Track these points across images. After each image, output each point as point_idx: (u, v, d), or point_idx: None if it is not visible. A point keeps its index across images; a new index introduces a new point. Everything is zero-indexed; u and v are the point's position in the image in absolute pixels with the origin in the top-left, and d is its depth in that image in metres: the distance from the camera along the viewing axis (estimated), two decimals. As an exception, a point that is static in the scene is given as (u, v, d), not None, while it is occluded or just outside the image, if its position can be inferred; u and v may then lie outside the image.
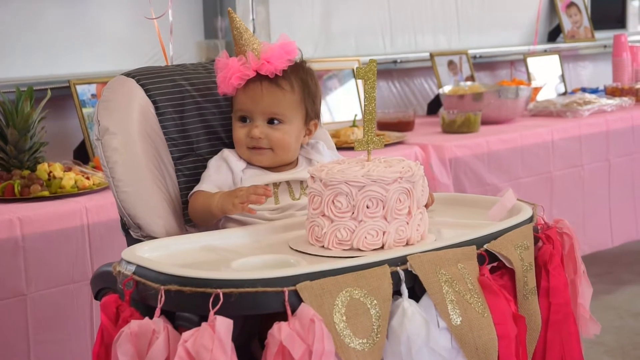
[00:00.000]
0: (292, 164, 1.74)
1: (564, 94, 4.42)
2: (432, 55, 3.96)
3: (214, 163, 1.70)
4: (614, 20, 5.25)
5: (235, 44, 1.70)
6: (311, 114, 1.73)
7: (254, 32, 3.31)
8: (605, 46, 4.90)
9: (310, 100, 1.72)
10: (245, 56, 1.67)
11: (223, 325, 1.19)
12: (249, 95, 1.67)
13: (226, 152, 1.71)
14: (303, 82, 1.70)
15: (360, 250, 1.43)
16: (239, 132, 1.70)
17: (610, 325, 3.21)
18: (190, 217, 1.69)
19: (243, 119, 1.70)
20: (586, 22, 4.92)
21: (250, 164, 1.71)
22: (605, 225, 3.62)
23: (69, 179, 2.34)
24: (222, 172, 1.68)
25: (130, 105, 1.69)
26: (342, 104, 3.47)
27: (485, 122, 3.43)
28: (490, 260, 1.46)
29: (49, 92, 2.52)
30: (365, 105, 1.51)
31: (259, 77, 1.66)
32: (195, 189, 1.67)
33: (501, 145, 3.24)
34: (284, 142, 1.69)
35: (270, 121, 1.69)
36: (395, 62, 3.97)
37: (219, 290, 1.21)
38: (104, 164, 1.66)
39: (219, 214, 1.61)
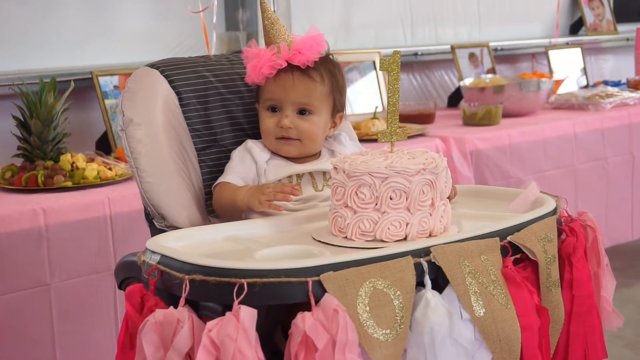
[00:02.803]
0: (315, 155, 1.74)
1: (586, 87, 4.39)
2: (453, 48, 3.95)
3: (237, 154, 1.71)
4: (637, 13, 5.20)
5: (266, 34, 1.70)
6: (338, 106, 1.74)
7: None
8: (627, 39, 4.87)
9: (338, 93, 1.72)
10: (277, 46, 1.67)
11: (247, 315, 1.19)
12: (279, 84, 1.67)
13: (250, 143, 1.71)
14: (332, 74, 1.70)
15: (383, 241, 1.43)
16: (268, 121, 1.70)
17: (631, 319, 3.18)
18: (214, 208, 1.70)
19: (273, 109, 1.70)
20: (608, 14, 4.89)
21: (274, 154, 1.71)
22: (627, 218, 3.61)
23: (92, 170, 2.35)
24: (246, 164, 1.69)
25: (154, 96, 1.69)
26: (362, 96, 3.46)
27: (506, 115, 3.42)
28: (513, 252, 1.45)
29: (72, 83, 2.54)
30: (388, 96, 1.51)
31: (290, 68, 1.66)
32: (219, 180, 1.68)
33: (522, 138, 3.23)
34: (312, 133, 1.69)
35: (301, 112, 1.69)
36: (416, 54, 3.96)
37: (243, 280, 1.22)
38: (128, 154, 1.67)
39: (244, 208, 1.61)
